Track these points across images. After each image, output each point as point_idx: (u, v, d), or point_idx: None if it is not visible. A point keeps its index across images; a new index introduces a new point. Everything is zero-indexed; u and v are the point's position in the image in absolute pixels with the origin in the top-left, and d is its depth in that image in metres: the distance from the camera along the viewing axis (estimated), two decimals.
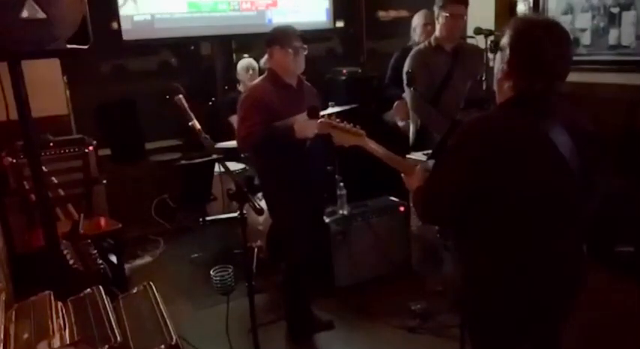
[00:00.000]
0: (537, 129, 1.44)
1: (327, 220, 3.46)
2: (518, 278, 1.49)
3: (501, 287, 1.52)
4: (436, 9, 3.26)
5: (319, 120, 2.18)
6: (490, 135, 1.45)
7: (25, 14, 1.83)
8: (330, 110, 3.25)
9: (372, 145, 2.00)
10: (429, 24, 3.84)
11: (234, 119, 4.26)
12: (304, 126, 2.62)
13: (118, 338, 1.59)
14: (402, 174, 1.90)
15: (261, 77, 2.93)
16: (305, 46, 2.80)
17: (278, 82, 2.81)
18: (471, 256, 1.59)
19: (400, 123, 3.96)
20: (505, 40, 1.50)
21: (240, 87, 4.49)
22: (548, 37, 1.45)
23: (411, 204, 3.58)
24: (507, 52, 1.48)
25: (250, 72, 4.38)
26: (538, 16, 1.61)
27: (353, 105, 3.53)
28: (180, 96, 2.28)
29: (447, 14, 3.17)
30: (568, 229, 1.53)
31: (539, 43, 1.44)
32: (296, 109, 2.73)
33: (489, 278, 1.54)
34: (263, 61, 2.87)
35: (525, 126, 1.45)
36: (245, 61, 4.47)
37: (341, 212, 3.56)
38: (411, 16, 4.22)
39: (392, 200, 3.78)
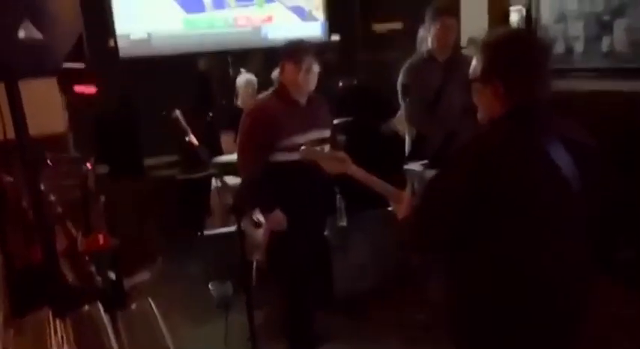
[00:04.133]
0: (534, 142, 1.40)
1: (325, 232, 3.45)
2: (520, 296, 1.44)
3: (502, 306, 1.46)
4: (427, 22, 3.30)
5: (301, 148, 2.10)
6: (484, 153, 1.41)
7: (21, 35, 1.85)
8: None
9: (358, 172, 1.92)
10: None
11: (225, 136, 4.28)
12: (277, 219, 2.72)
13: None
14: (391, 203, 1.85)
15: (268, 92, 2.87)
16: (318, 65, 2.72)
17: (286, 98, 2.75)
18: (467, 276, 1.52)
19: (402, 133, 3.98)
20: (483, 64, 1.48)
21: (239, 102, 4.51)
22: (524, 39, 1.49)
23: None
24: (491, 72, 1.46)
25: (250, 90, 4.37)
26: (497, 30, 1.58)
27: (348, 118, 3.56)
28: (178, 111, 2.30)
29: (438, 26, 3.21)
30: (571, 243, 1.48)
31: (521, 47, 1.46)
32: (302, 128, 2.68)
33: (488, 298, 1.48)
34: (275, 74, 2.83)
35: (522, 140, 1.41)
36: (245, 78, 4.46)
37: (340, 223, 3.57)
38: (406, 29, 4.26)
39: (390, 211, 3.78)
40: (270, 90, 2.86)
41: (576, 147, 1.44)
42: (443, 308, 1.63)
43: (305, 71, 2.68)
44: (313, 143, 2.74)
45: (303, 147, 2.09)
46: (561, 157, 1.40)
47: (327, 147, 2.76)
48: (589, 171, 1.45)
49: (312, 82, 2.74)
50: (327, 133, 2.87)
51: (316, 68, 2.72)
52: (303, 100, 2.79)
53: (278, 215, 2.73)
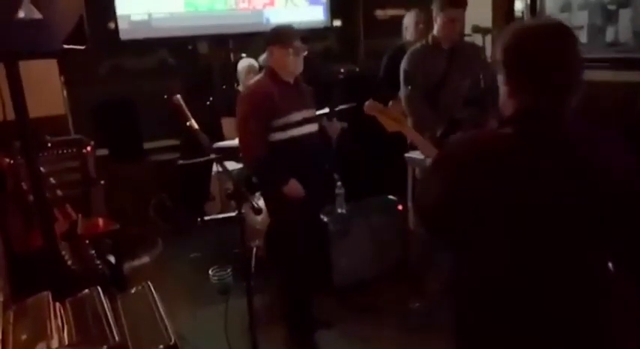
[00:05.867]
0: (526, 154, 1.29)
1: (325, 219, 3.46)
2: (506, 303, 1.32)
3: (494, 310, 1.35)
4: (434, 10, 3.24)
5: (366, 102, 2.19)
6: (468, 156, 1.34)
7: (21, 14, 1.82)
8: (323, 111, 3.29)
9: (411, 133, 2.02)
10: (422, 23, 3.86)
11: (226, 121, 4.26)
12: (295, 187, 2.78)
13: (117, 338, 1.59)
14: None
15: (259, 75, 2.97)
16: (305, 47, 2.84)
17: (277, 79, 2.85)
18: (461, 272, 1.44)
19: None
20: (499, 57, 1.37)
21: (240, 87, 4.48)
22: (544, 43, 1.31)
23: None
24: (503, 68, 1.36)
25: (251, 75, 4.33)
26: (532, 20, 1.41)
27: (351, 104, 3.53)
28: (178, 95, 2.28)
29: (446, 18, 3.15)
30: (567, 252, 1.30)
31: (534, 50, 1.31)
32: (295, 106, 2.81)
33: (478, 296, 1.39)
34: (262, 58, 2.92)
35: (510, 148, 1.30)
36: (246, 63, 4.42)
37: (339, 210, 3.56)
38: None
39: (390, 198, 3.78)
40: (261, 74, 2.97)
41: (591, 169, 1.30)
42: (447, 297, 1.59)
43: (293, 55, 2.78)
44: (306, 120, 2.88)
45: (368, 102, 2.14)
46: (555, 170, 1.28)
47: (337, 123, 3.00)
48: (593, 182, 1.29)
49: (300, 65, 2.85)
50: (314, 112, 3.03)
51: (304, 52, 2.83)
52: (291, 81, 2.90)
53: (294, 183, 2.80)
